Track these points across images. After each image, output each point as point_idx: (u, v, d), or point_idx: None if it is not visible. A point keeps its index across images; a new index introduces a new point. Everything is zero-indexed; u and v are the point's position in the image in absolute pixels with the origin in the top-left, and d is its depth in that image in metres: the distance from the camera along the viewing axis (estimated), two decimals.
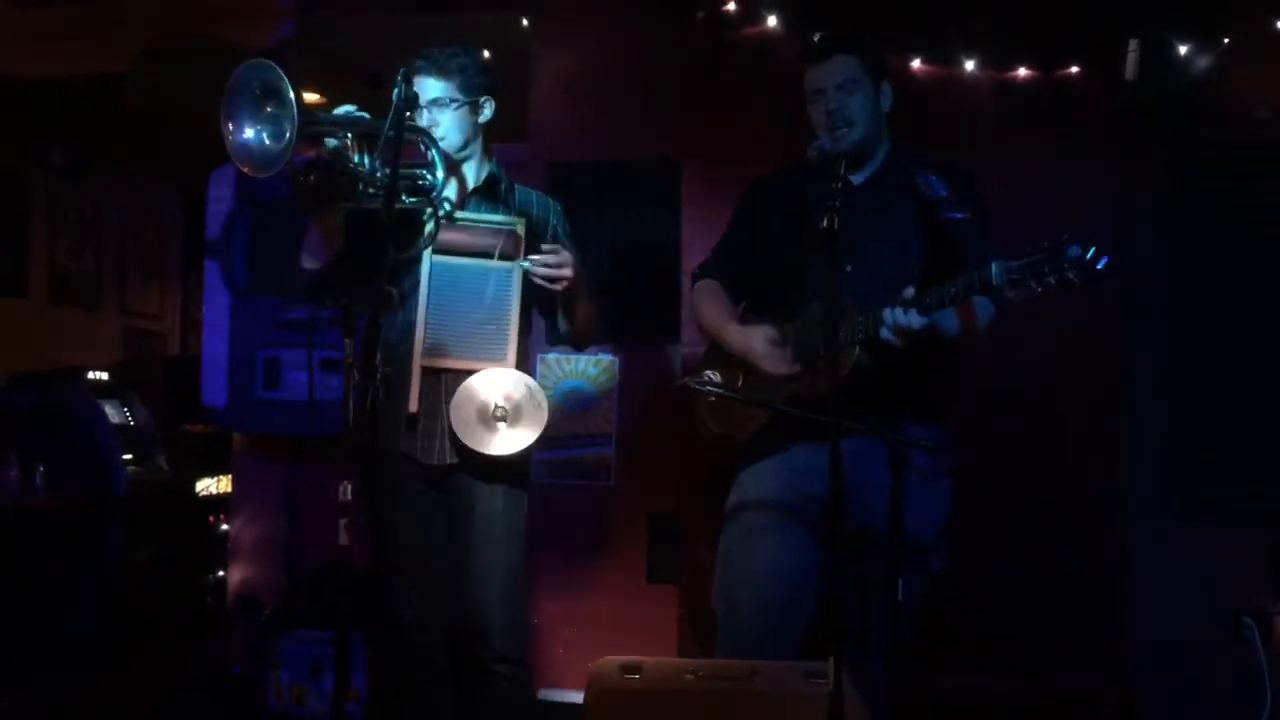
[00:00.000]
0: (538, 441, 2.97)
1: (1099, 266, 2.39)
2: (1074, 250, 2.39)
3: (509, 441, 2.93)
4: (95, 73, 4.69)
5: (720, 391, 2.92)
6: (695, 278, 3.23)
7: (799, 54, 3.06)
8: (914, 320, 2.61)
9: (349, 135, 2.69)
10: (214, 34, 4.43)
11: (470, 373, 2.94)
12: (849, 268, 2.80)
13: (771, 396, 2.89)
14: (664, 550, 4.03)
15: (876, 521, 2.59)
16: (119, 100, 5.36)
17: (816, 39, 3.05)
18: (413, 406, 2.92)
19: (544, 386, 4.04)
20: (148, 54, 4.53)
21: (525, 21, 4.26)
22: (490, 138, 3.12)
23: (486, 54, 3.18)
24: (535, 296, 3.07)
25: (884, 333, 2.66)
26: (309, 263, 2.92)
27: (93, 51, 4.62)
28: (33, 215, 6.45)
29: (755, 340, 2.93)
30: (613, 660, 2.58)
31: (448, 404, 2.93)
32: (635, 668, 2.54)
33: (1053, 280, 2.42)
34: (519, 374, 2.97)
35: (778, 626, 2.86)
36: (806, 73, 2.96)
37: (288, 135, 2.50)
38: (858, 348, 2.73)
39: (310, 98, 4.32)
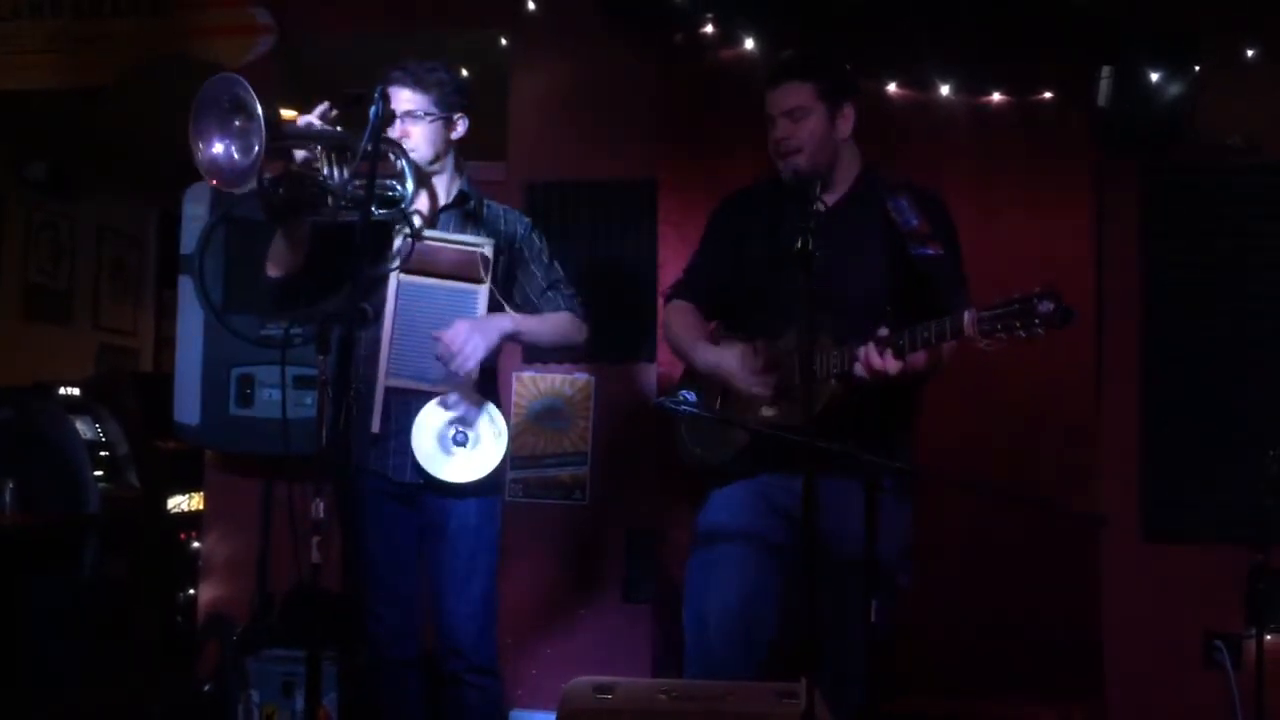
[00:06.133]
0: (499, 467, 2.99)
1: (1069, 321, 2.44)
2: (1045, 305, 2.43)
3: (468, 467, 2.94)
4: (73, 88, 4.67)
5: (695, 411, 2.92)
6: (667, 299, 3.23)
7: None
8: (890, 365, 2.63)
9: (318, 148, 2.70)
10: (193, 50, 4.43)
11: (436, 394, 2.94)
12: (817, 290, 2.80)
13: (748, 420, 2.89)
14: (640, 569, 4.02)
15: (848, 542, 2.59)
16: (97, 116, 5.34)
17: (774, 63, 3.05)
18: (375, 426, 2.93)
19: (519, 404, 4.06)
20: (127, 70, 4.52)
21: (504, 41, 4.27)
22: (462, 155, 3.13)
23: (465, 72, 3.19)
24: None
25: (858, 369, 2.68)
26: (274, 271, 2.92)
27: (71, 67, 4.60)
28: (6, 230, 6.41)
29: (726, 358, 2.92)
30: (585, 680, 2.57)
31: None
32: (608, 688, 2.54)
33: (1023, 334, 2.46)
34: (480, 398, 2.97)
35: (744, 638, 2.88)
36: (766, 97, 2.97)
37: (255, 149, 2.50)
38: (833, 380, 2.75)
39: (287, 114, 4.31)
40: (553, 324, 3.10)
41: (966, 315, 2.54)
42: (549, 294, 3.13)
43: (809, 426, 2.39)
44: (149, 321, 7.62)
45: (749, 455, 2.93)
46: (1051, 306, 2.43)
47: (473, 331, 2.87)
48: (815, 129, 2.89)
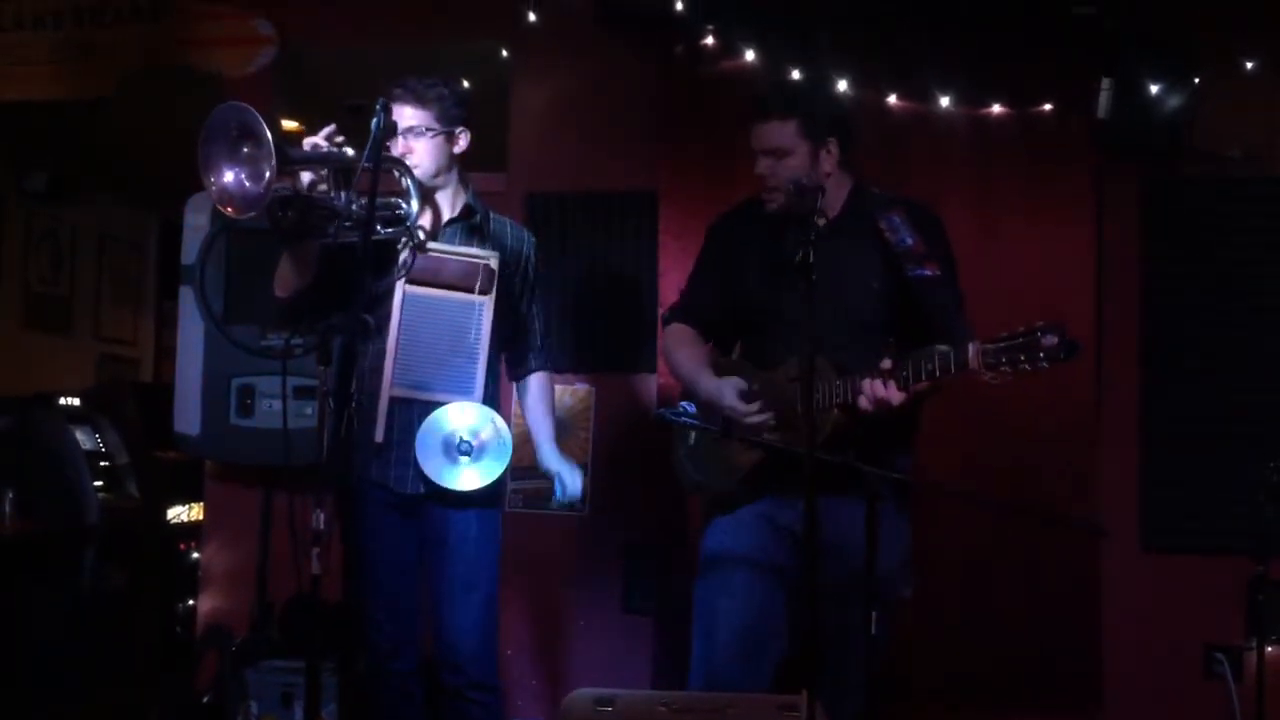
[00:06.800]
0: (503, 475, 2.99)
1: (1074, 354, 2.47)
2: (1049, 339, 2.46)
3: (473, 477, 2.95)
4: (75, 98, 4.68)
5: (695, 423, 2.92)
6: (665, 321, 3.22)
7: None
8: (894, 395, 2.64)
9: (325, 170, 2.70)
10: (195, 61, 4.43)
11: (439, 404, 2.95)
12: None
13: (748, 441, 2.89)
14: (640, 581, 4.02)
15: (849, 555, 2.59)
16: (98, 124, 5.35)
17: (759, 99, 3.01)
18: (379, 436, 2.93)
19: (519, 414, 4.05)
20: (129, 80, 4.53)
21: (505, 51, 4.27)
22: (466, 167, 3.13)
23: (466, 84, 3.20)
24: (501, 333, 3.08)
25: (862, 402, 2.68)
26: (281, 292, 2.93)
27: (73, 76, 4.61)
28: (6, 239, 6.41)
29: (725, 394, 2.91)
30: (586, 692, 2.57)
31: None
32: (608, 700, 2.54)
33: (1027, 368, 2.47)
34: (485, 409, 2.99)
35: (752, 660, 2.87)
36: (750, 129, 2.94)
37: (266, 175, 2.50)
38: (835, 410, 2.75)
39: (290, 125, 4.32)
40: (550, 403, 3.26)
41: (971, 348, 2.55)
42: (529, 335, 3.18)
43: (811, 456, 2.39)
44: (149, 331, 7.62)
45: (752, 480, 2.92)
46: (1056, 340, 2.45)
47: (575, 477, 3.16)
48: (797, 168, 2.84)
